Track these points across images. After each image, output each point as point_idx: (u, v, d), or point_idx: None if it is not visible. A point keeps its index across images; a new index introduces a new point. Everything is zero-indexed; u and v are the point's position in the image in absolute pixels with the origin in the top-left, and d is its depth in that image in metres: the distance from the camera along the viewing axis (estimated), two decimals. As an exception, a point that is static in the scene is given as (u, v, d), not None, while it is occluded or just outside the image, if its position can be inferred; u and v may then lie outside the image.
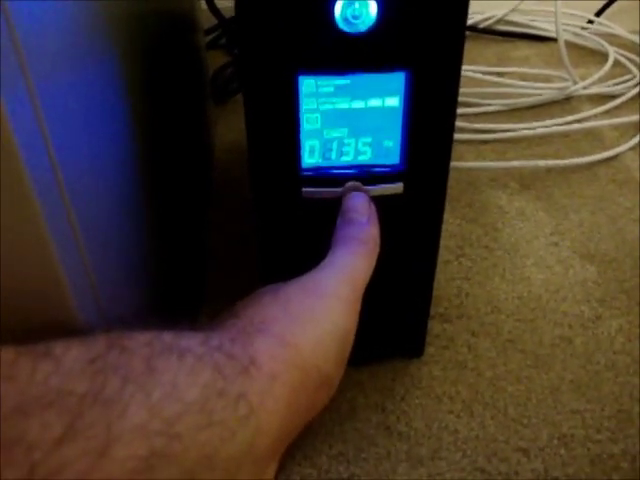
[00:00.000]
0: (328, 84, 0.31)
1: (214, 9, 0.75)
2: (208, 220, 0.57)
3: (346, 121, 0.32)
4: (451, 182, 0.60)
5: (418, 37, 0.29)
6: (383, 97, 0.31)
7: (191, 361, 0.20)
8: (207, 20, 0.79)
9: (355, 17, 0.28)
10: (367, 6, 0.28)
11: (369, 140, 0.32)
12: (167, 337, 0.21)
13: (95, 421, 0.17)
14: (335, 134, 0.32)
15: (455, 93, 0.32)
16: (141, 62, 0.35)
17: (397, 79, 0.31)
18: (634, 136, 0.69)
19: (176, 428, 0.18)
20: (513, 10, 0.92)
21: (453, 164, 0.62)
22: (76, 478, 0.16)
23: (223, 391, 0.20)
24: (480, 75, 0.77)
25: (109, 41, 0.28)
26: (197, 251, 0.50)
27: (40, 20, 0.19)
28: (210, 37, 0.82)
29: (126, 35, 0.32)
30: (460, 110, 0.73)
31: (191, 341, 0.21)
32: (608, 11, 0.93)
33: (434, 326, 0.46)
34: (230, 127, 0.71)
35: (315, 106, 0.31)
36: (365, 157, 0.33)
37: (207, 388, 0.20)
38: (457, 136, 0.68)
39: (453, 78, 0.31)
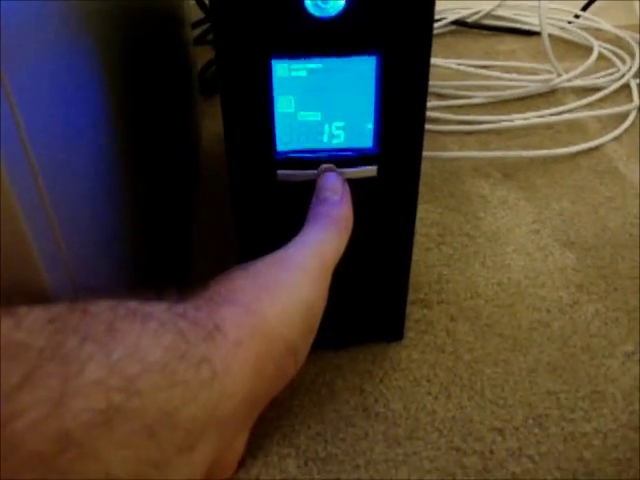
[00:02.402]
0: (301, 68, 0.31)
1: (201, 3, 0.76)
2: (194, 207, 0.57)
3: (319, 105, 0.32)
4: (434, 172, 0.62)
5: (388, 21, 0.30)
6: (355, 81, 0.32)
7: (154, 325, 0.21)
8: (196, 14, 0.80)
9: (324, 1, 0.29)
10: (336, -10, 0.29)
11: (342, 124, 0.33)
12: (131, 303, 0.21)
13: (53, 373, 0.18)
14: (309, 118, 0.33)
15: (426, 77, 0.32)
16: (122, 53, 0.35)
17: (368, 63, 0.31)
18: (616, 128, 0.69)
19: (136, 385, 0.19)
20: (500, 5, 0.92)
21: (436, 154, 0.63)
22: (32, 424, 0.17)
23: (186, 354, 0.21)
24: (466, 68, 0.78)
25: (87, 31, 0.29)
26: (180, 234, 0.51)
27: (13, 11, 0.20)
28: (198, 31, 0.83)
29: (106, 27, 0.33)
30: (445, 102, 0.74)
31: (155, 307, 0.22)
32: (594, 6, 0.94)
33: (414, 311, 0.47)
34: (217, 119, 0.71)
35: (288, 90, 0.32)
36: (339, 140, 0.34)
37: (169, 351, 0.20)
38: (441, 127, 0.69)
39: (423, 62, 0.32)
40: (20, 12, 0.20)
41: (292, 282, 0.27)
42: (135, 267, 0.35)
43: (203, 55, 0.79)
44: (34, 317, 0.19)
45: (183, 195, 0.54)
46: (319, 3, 0.29)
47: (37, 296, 0.21)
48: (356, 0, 0.29)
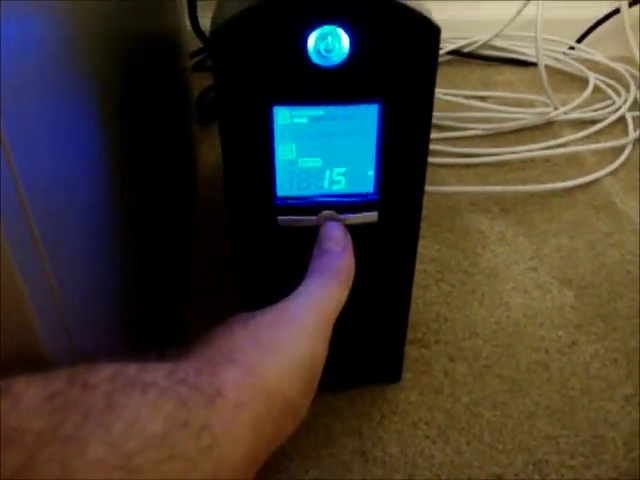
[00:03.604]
0: (302, 115, 0.31)
1: (199, 32, 0.76)
2: (191, 239, 0.57)
3: (320, 151, 0.32)
4: (432, 206, 0.62)
5: (391, 70, 0.30)
6: (357, 128, 0.32)
7: (154, 395, 0.20)
8: (193, 43, 0.80)
9: (328, 50, 0.29)
10: (340, 40, 0.29)
11: (343, 170, 0.33)
12: (131, 370, 0.21)
13: (51, 459, 0.17)
14: (310, 164, 0.32)
15: (428, 124, 0.32)
16: (119, 84, 0.35)
17: (370, 110, 0.31)
18: (613, 161, 0.70)
19: (136, 462, 0.18)
20: (497, 35, 0.93)
21: (434, 188, 0.63)
22: None
23: (186, 423, 0.20)
24: (463, 100, 0.78)
25: (84, 65, 0.29)
26: (179, 272, 0.50)
27: (9, 47, 0.19)
28: (195, 60, 0.83)
29: (102, 60, 0.32)
30: (443, 134, 0.74)
31: (156, 374, 0.21)
32: (589, 37, 0.94)
33: (412, 351, 0.46)
34: (214, 148, 0.72)
35: (290, 136, 0.32)
36: (340, 186, 0.33)
37: (169, 421, 0.20)
38: (439, 160, 0.69)
39: (425, 109, 0.32)
40: (17, 56, 0.20)
41: (292, 340, 0.27)
42: (134, 316, 0.35)
43: (200, 82, 0.79)
44: (32, 396, 0.18)
45: (180, 226, 0.53)
46: (322, 52, 0.29)
47: (35, 357, 0.21)
48: (359, 49, 0.29)
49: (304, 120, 0.31)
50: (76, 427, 0.18)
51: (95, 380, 0.20)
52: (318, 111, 0.31)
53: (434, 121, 0.76)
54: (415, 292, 0.40)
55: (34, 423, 0.18)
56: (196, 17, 0.77)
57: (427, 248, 0.56)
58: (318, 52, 0.29)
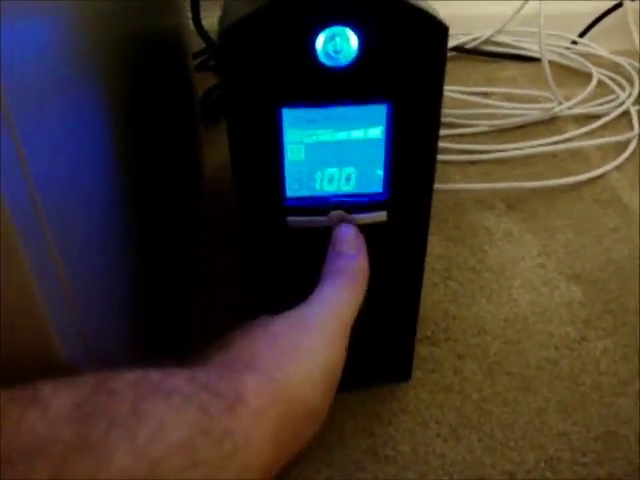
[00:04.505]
0: (311, 116, 0.31)
1: (202, 32, 0.76)
2: (198, 240, 0.57)
3: (330, 152, 0.32)
4: (438, 204, 0.62)
5: (399, 70, 0.30)
6: (366, 128, 0.32)
7: (177, 401, 0.20)
8: (196, 43, 0.80)
9: (336, 51, 0.29)
10: (348, 40, 0.29)
11: (353, 170, 0.33)
12: (154, 376, 0.21)
13: (80, 468, 0.17)
14: (319, 165, 0.32)
15: (436, 123, 0.32)
16: (126, 86, 0.35)
17: (379, 110, 0.31)
18: (618, 156, 0.69)
19: (161, 469, 0.18)
20: (499, 31, 0.93)
21: (440, 186, 0.63)
22: None
23: (208, 430, 0.20)
24: (467, 96, 0.78)
25: (92, 67, 0.29)
26: (188, 275, 0.50)
27: (20, 49, 0.19)
28: (199, 60, 0.83)
29: (110, 61, 0.32)
30: (447, 131, 0.74)
31: (178, 380, 0.21)
32: (592, 32, 0.94)
33: (421, 349, 0.46)
34: (219, 148, 0.72)
35: (299, 138, 0.31)
36: (349, 187, 0.33)
37: (192, 427, 0.20)
38: (444, 157, 0.69)
39: (434, 108, 0.32)
40: (24, 53, 0.20)
41: (312, 346, 0.27)
42: (142, 314, 0.35)
43: (203, 82, 0.79)
44: (59, 404, 0.18)
45: (188, 229, 0.53)
46: (331, 53, 0.29)
47: (51, 360, 0.21)
48: (367, 49, 0.29)
49: (313, 121, 0.31)
50: (103, 435, 0.18)
51: (119, 386, 0.20)
52: (327, 112, 0.31)
53: (438, 118, 0.76)
54: (423, 290, 0.40)
55: (64, 432, 0.18)
56: (199, 17, 0.77)
57: (434, 245, 0.56)
58: (327, 53, 0.29)
